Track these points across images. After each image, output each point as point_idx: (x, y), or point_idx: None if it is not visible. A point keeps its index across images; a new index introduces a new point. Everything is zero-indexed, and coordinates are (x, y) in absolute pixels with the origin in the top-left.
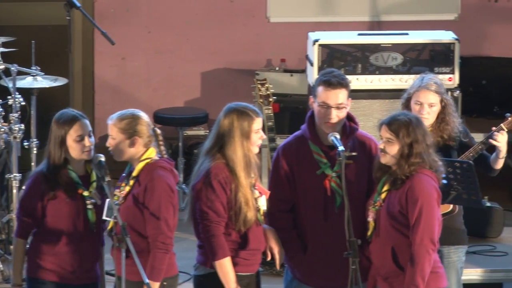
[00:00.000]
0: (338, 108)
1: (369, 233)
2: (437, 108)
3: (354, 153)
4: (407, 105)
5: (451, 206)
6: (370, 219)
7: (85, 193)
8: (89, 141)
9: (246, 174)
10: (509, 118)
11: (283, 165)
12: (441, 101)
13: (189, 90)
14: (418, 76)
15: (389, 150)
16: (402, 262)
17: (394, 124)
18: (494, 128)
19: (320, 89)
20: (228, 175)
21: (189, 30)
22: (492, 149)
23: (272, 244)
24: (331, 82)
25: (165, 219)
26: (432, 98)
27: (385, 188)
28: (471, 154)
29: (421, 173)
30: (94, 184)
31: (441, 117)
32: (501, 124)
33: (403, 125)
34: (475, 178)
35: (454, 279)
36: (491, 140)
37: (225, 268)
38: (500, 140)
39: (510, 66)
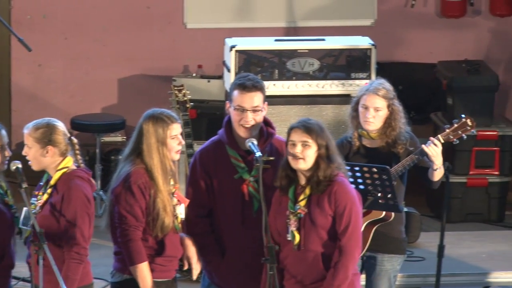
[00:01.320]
0: (254, 111)
1: (295, 242)
2: (383, 113)
3: (271, 158)
4: (355, 108)
5: (384, 213)
6: (293, 228)
7: (11, 202)
8: (6, 154)
9: (164, 180)
10: (447, 130)
11: (200, 170)
12: (389, 106)
13: (106, 96)
14: (335, 81)
15: (306, 153)
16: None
17: (307, 127)
18: (432, 138)
19: (236, 92)
20: (148, 180)
21: (106, 36)
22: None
23: (189, 253)
24: (246, 85)
25: (80, 229)
26: (378, 102)
27: (303, 195)
28: (399, 169)
29: (340, 176)
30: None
31: (388, 122)
32: (439, 135)
33: (316, 127)
34: (392, 183)
35: (384, 287)
36: (424, 148)
37: (143, 273)
38: (432, 150)
39: (426, 72)
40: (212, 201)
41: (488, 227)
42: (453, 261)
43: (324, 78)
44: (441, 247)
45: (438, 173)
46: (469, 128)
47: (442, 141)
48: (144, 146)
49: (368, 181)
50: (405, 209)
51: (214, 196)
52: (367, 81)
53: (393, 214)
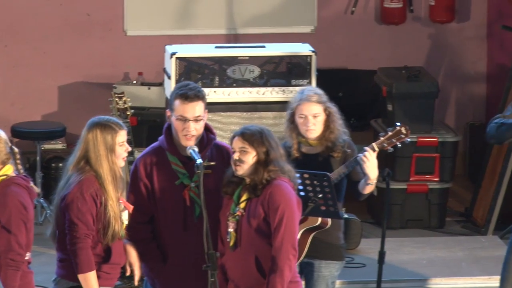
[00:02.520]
0: (196, 120)
1: (231, 243)
2: (322, 118)
3: (212, 163)
4: (292, 121)
5: (319, 220)
6: (231, 229)
7: None
8: None
9: (114, 187)
10: (381, 138)
11: (142, 176)
12: (325, 110)
13: (46, 104)
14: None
15: (245, 159)
16: (267, 270)
17: (246, 134)
18: (366, 148)
19: (177, 102)
20: (99, 188)
21: (45, 44)
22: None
23: (131, 259)
24: (188, 95)
25: (15, 236)
26: (315, 108)
27: (244, 197)
28: (335, 176)
29: (279, 180)
30: None
31: (326, 125)
32: (373, 144)
33: (256, 134)
34: (332, 189)
35: None
36: (360, 159)
37: (90, 281)
38: (367, 161)
39: (366, 78)
40: (154, 208)
41: (429, 233)
42: (394, 268)
43: (265, 85)
44: (381, 254)
45: (370, 187)
46: (403, 136)
47: (377, 150)
48: (92, 154)
49: (309, 188)
50: (346, 216)
51: (155, 202)
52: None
53: (329, 221)
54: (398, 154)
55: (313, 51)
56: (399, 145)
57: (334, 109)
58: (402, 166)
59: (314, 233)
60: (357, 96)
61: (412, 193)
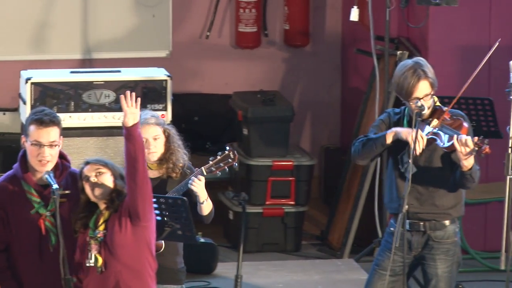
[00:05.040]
0: (51, 146)
1: (98, 265)
2: (162, 139)
3: (67, 191)
4: None
5: None
6: (95, 251)
7: None
8: None
9: None
10: (210, 162)
11: None
12: (164, 131)
13: None
14: None
15: (103, 180)
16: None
17: (96, 159)
18: (197, 169)
19: (32, 128)
20: None
21: None
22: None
23: None
24: (43, 120)
25: None
26: (154, 131)
27: (102, 220)
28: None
29: None
30: None
31: (167, 146)
32: (202, 168)
33: (104, 159)
34: (189, 214)
35: None
36: (190, 183)
37: None
38: (195, 184)
39: (221, 103)
40: (9, 236)
41: (285, 257)
42: None
43: (120, 109)
44: (238, 277)
45: (205, 207)
46: (230, 161)
47: (205, 174)
48: None
49: (165, 212)
50: (202, 240)
51: (10, 231)
52: (164, 112)
53: (163, 244)
54: (254, 178)
55: (168, 76)
56: (227, 169)
57: (173, 131)
58: (258, 190)
59: None
60: (212, 120)
61: (268, 217)
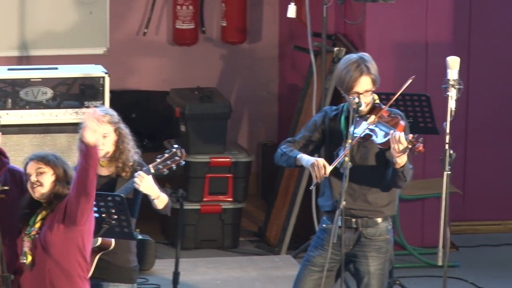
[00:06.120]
0: None
1: (27, 262)
2: (111, 138)
3: (6, 187)
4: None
5: (99, 241)
6: (27, 248)
7: None
8: None
9: None
10: (157, 160)
11: None
12: (116, 130)
13: None
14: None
15: (43, 180)
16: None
17: (40, 155)
18: (139, 172)
19: None
20: None
21: None
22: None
23: None
24: None
25: None
26: (104, 128)
27: (39, 217)
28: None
29: None
30: None
31: (117, 145)
32: (150, 166)
33: (49, 155)
34: (126, 211)
35: None
36: (134, 182)
37: None
38: (141, 184)
39: (159, 99)
40: None
41: (223, 253)
42: None
43: (58, 107)
44: (176, 274)
45: (158, 203)
46: (178, 158)
47: (153, 172)
48: None
49: (103, 209)
50: (140, 237)
51: None
52: None
53: (113, 243)
54: (191, 175)
55: (106, 73)
56: (174, 167)
57: (125, 130)
58: (195, 186)
59: (99, 254)
60: (150, 117)
61: (206, 214)
